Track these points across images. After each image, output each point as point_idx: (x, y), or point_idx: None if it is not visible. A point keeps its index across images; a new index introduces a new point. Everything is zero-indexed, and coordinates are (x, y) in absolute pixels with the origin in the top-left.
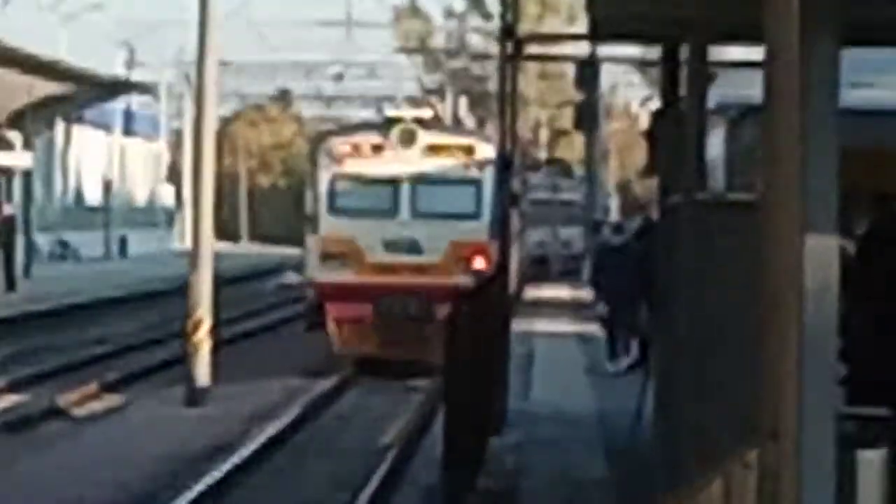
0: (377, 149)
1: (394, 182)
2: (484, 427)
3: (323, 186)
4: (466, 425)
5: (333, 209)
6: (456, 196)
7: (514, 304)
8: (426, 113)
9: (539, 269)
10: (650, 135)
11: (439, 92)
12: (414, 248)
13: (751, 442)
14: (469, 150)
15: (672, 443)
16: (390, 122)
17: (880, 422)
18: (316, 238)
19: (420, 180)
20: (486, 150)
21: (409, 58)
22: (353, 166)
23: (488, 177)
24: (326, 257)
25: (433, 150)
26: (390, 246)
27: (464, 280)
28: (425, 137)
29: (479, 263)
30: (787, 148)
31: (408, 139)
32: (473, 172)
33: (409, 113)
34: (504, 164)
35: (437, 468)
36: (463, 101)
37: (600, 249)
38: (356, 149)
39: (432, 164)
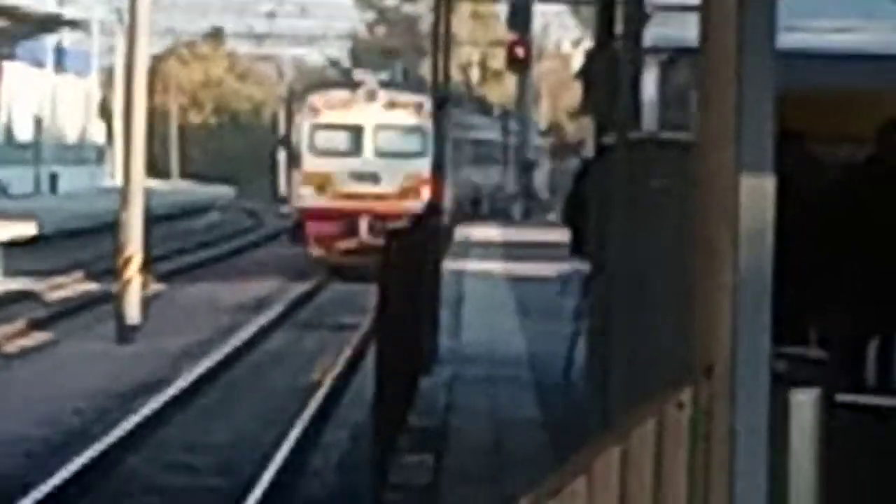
0: (346, 103)
1: (359, 129)
2: (415, 365)
3: (304, 132)
4: (397, 363)
5: (312, 150)
6: (407, 140)
7: (446, 243)
8: (385, 75)
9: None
10: (584, 75)
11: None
12: (375, 179)
13: (684, 381)
14: (419, 105)
15: (604, 384)
16: (357, 83)
17: (815, 363)
18: (299, 172)
19: (380, 128)
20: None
21: None
22: (327, 117)
23: (432, 125)
24: (307, 186)
25: (391, 104)
26: (357, 177)
27: (413, 205)
28: (384, 95)
29: (426, 192)
30: (723, 89)
31: (370, 96)
32: (421, 122)
33: (373, 76)
34: (437, 104)
35: (367, 406)
36: None
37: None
38: (330, 103)
39: (389, 116)
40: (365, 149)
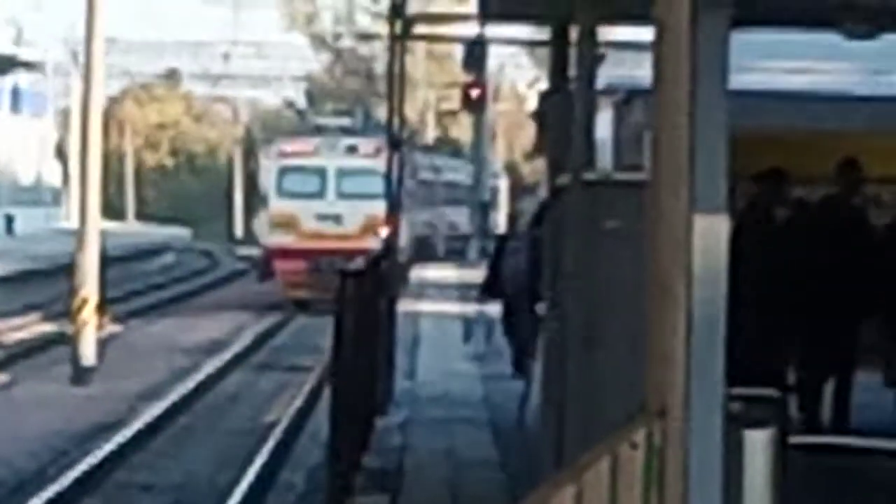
0: (311, 149)
1: (323, 173)
2: (370, 407)
3: (272, 175)
4: (353, 405)
5: (280, 192)
6: (367, 182)
7: (401, 284)
8: (346, 122)
9: (426, 249)
10: (538, 115)
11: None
12: (338, 220)
13: (638, 421)
14: (378, 150)
15: (559, 424)
16: (320, 129)
17: (767, 402)
18: (266, 213)
19: (342, 171)
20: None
21: (297, 38)
22: (293, 160)
23: (389, 168)
24: (274, 227)
25: (352, 150)
26: (321, 218)
27: (373, 243)
28: (345, 141)
29: (384, 232)
30: (677, 129)
31: (333, 142)
32: (379, 165)
33: (334, 122)
34: (393, 145)
35: (323, 447)
36: None
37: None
38: (296, 148)
39: (351, 160)
40: (328, 191)
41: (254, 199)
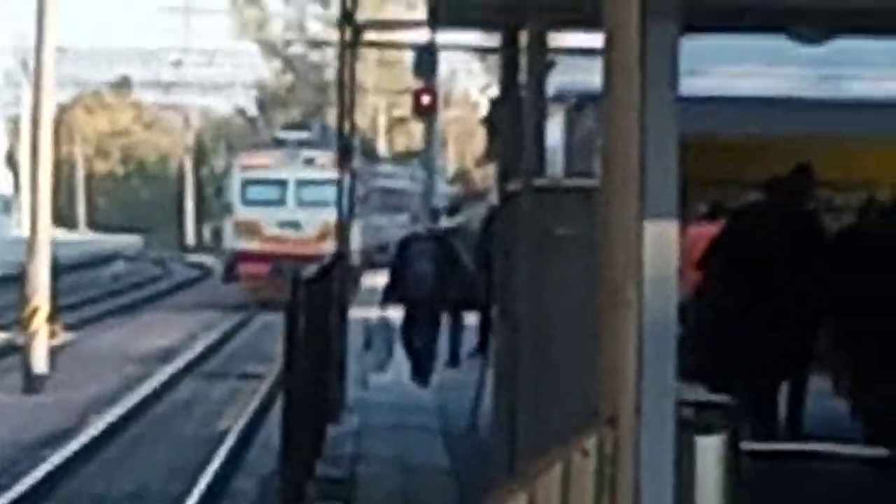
0: (272, 160)
1: (283, 183)
2: (322, 414)
3: (236, 185)
4: (304, 412)
5: (243, 201)
6: (324, 191)
7: (353, 291)
8: (305, 135)
9: (378, 255)
10: (489, 122)
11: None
12: (297, 226)
13: (589, 429)
14: (334, 161)
15: (511, 431)
16: (281, 142)
17: (719, 408)
18: (231, 220)
19: (300, 182)
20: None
21: (248, 45)
22: (256, 172)
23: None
24: (239, 232)
25: (309, 161)
26: (281, 225)
27: (330, 247)
28: (304, 153)
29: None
30: (627, 135)
31: (292, 155)
32: (335, 175)
33: (294, 135)
34: (344, 153)
35: (275, 455)
36: None
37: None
38: (258, 160)
39: (308, 171)
40: (288, 200)
41: (203, 206)
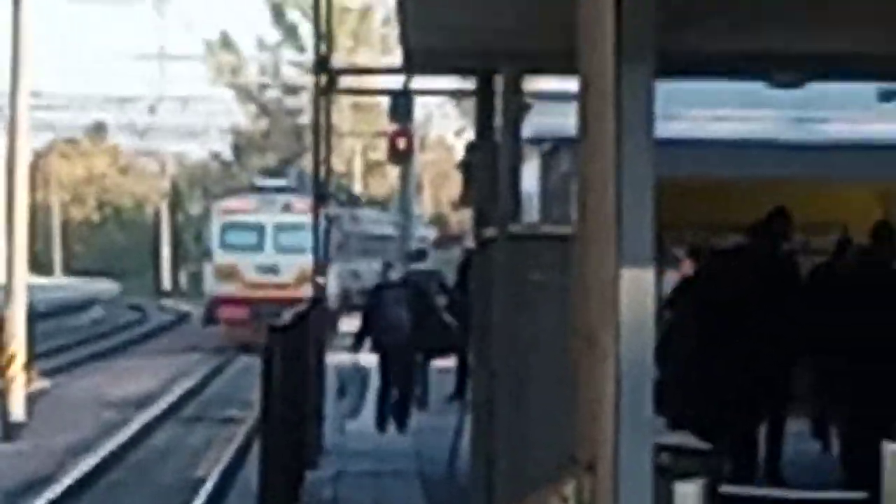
0: (250, 206)
1: (262, 228)
2: (300, 460)
3: (215, 230)
4: (282, 458)
5: (223, 245)
6: (302, 237)
7: (330, 335)
8: (283, 182)
9: (354, 299)
10: (465, 166)
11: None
12: (275, 271)
13: (567, 475)
14: (311, 206)
15: (489, 477)
16: (259, 189)
17: (697, 454)
18: (211, 264)
19: (278, 227)
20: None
21: (223, 91)
22: (235, 217)
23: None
24: (218, 277)
25: (287, 207)
26: (260, 269)
27: (308, 292)
28: (282, 199)
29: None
30: (602, 179)
31: (270, 201)
32: (311, 221)
33: (272, 183)
34: (319, 199)
35: (253, 501)
36: None
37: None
38: (237, 206)
39: (286, 217)
40: (266, 245)
41: (180, 251)
